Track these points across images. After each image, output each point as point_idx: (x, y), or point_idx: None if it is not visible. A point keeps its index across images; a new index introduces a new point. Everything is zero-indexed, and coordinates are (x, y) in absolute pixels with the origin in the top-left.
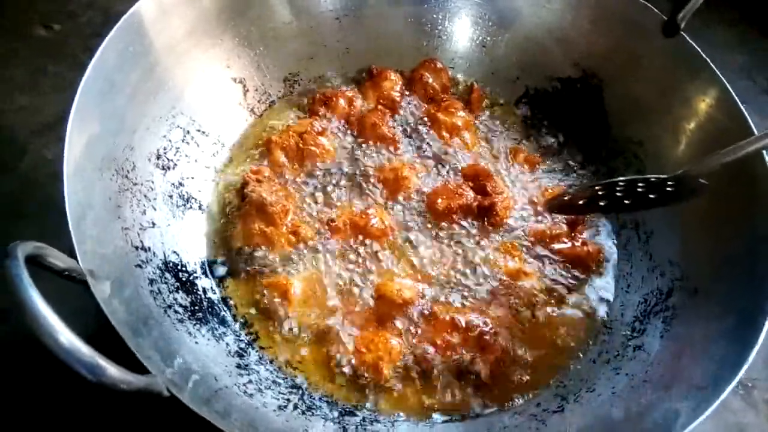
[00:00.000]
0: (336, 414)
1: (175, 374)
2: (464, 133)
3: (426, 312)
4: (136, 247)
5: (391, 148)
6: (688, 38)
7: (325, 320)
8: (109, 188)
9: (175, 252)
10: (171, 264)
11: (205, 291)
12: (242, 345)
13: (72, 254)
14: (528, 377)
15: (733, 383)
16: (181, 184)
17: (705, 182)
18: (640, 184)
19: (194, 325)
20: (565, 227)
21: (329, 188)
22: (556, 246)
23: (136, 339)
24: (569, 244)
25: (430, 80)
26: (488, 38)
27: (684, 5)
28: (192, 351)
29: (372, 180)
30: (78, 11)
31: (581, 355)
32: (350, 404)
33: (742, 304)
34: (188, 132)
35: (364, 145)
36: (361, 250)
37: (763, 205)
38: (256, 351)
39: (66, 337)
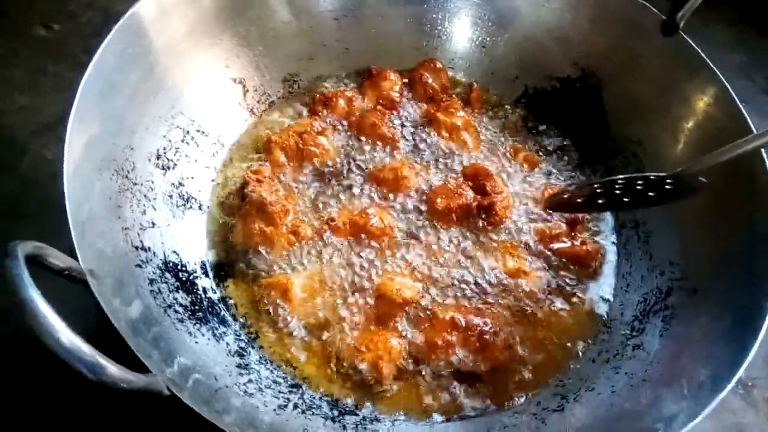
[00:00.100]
0: (336, 413)
1: (175, 373)
2: (464, 132)
3: (426, 311)
4: (136, 247)
5: (391, 148)
6: (686, 37)
7: (325, 320)
8: (109, 188)
9: (175, 252)
10: (171, 264)
11: (205, 291)
12: (242, 344)
13: (72, 254)
14: (528, 376)
15: (733, 382)
16: (180, 184)
17: (704, 180)
18: (639, 183)
19: (194, 324)
20: (564, 226)
21: (329, 188)
22: (556, 245)
23: (136, 338)
24: (569, 244)
25: (430, 80)
26: (487, 38)
27: (683, 5)
28: (192, 350)
29: (372, 180)
30: (78, 11)
31: (581, 355)
32: (350, 403)
33: (741, 303)
34: (188, 132)
35: (363, 145)
36: (361, 249)
37: (761, 203)
38: (256, 350)
39: (66, 336)
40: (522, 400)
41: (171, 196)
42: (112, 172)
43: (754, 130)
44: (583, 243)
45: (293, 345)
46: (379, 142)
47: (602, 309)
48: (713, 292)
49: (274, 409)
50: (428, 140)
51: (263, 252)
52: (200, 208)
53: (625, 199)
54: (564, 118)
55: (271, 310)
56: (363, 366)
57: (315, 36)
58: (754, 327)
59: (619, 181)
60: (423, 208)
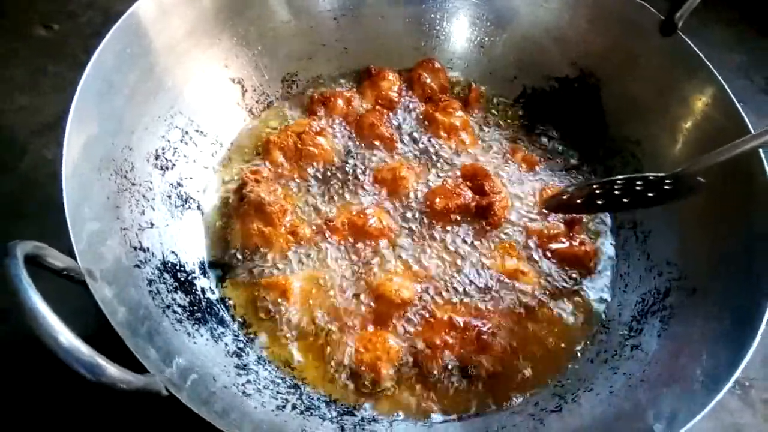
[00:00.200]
0: (334, 414)
1: (173, 374)
2: (462, 132)
3: (424, 312)
4: (135, 248)
5: (390, 148)
6: (685, 38)
7: (323, 320)
8: (108, 188)
9: (173, 252)
10: (170, 264)
11: (203, 291)
12: (241, 345)
13: (72, 254)
14: (526, 377)
15: (730, 383)
16: (179, 184)
17: (702, 180)
18: (637, 183)
19: (193, 325)
20: (562, 227)
21: (327, 188)
22: (554, 246)
23: (134, 339)
24: (567, 244)
25: (429, 80)
26: (486, 38)
27: (681, 4)
28: (191, 351)
29: (370, 180)
30: (78, 11)
31: (579, 355)
32: (349, 404)
33: (739, 303)
34: (187, 132)
35: (362, 145)
36: (360, 249)
37: (759, 203)
38: (255, 351)
39: (65, 336)
40: (520, 400)
41: (170, 197)
42: (110, 172)
43: (753, 130)
44: (581, 243)
45: (292, 345)
46: (377, 142)
47: (600, 309)
48: (711, 292)
49: (273, 410)
50: (427, 140)
51: (262, 252)
52: (199, 208)
53: (624, 200)
54: (562, 118)
55: (269, 311)
56: (361, 366)
57: (314, 36)
58: (753, 327)
59: (618, 182)
60: (421, 208)
